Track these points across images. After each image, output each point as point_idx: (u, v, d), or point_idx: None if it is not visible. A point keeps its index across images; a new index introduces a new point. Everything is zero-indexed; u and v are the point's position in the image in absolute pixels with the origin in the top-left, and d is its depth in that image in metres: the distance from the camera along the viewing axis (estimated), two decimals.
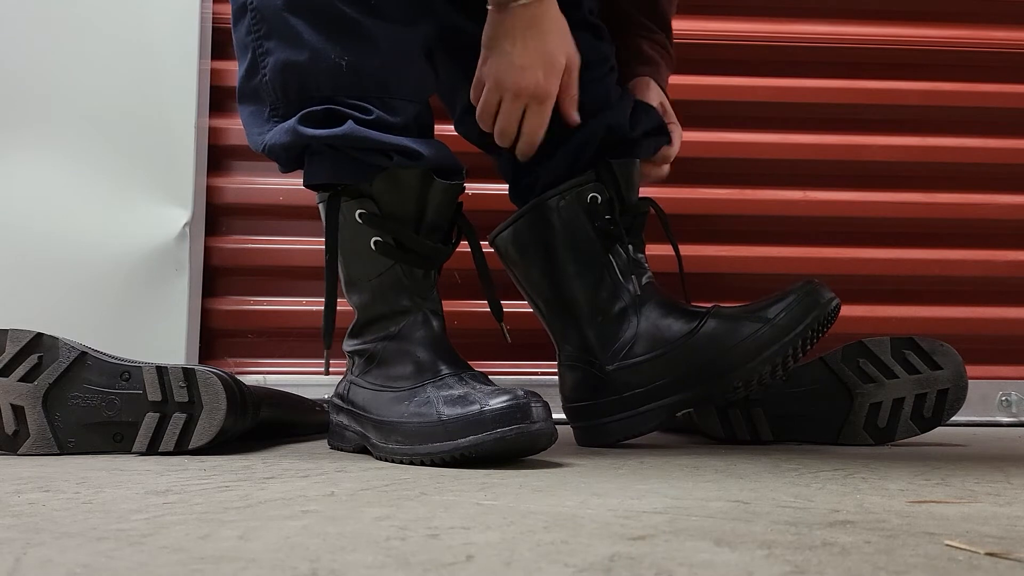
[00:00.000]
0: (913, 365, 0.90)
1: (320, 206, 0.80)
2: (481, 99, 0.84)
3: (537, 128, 0.84)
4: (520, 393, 0.66)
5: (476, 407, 0.66)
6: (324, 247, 0.78)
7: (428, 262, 0.79)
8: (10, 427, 0.76)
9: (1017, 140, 1.37)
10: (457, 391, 0.70)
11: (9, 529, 0.39)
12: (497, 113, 0.84)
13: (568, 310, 0.89)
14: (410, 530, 0.39)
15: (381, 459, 0.73)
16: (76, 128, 1.23)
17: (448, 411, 0.68)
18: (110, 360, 0.78)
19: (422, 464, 0.68)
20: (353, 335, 0.82)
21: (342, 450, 0.82)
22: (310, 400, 1.05)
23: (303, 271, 1.30)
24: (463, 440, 0.66)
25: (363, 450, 0.79)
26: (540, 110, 0.83)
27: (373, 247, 0.77)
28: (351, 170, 0.76)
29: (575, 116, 0.86)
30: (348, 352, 0.83)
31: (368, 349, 0.79)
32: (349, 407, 0.80)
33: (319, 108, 0.75)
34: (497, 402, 0.66)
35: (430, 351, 0.76)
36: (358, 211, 0.77)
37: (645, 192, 0.99)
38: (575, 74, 0.85)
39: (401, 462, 0.70)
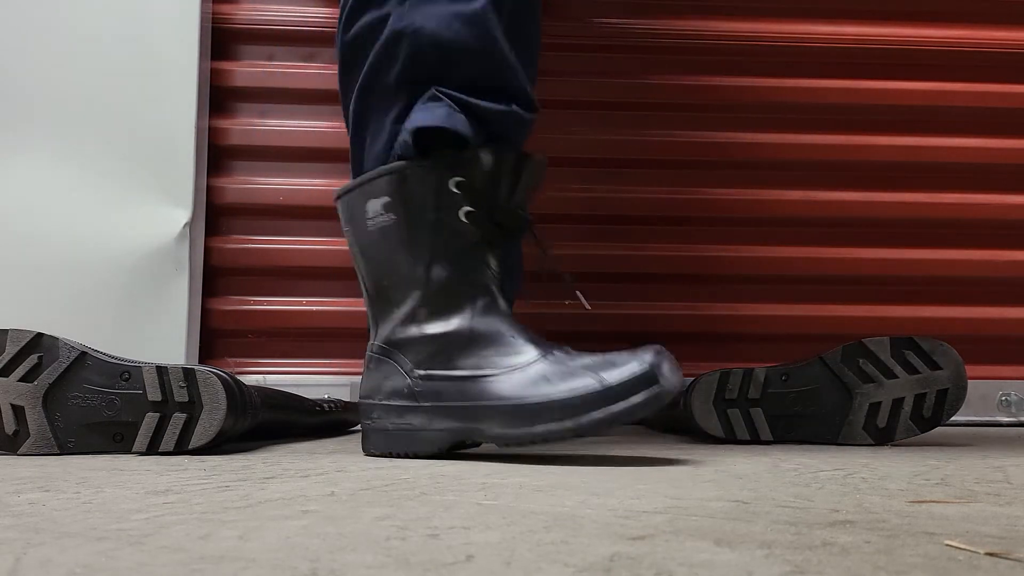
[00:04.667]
0: (913, 365, 0.90)
1: (381, 181, 0.77)
2: None
3: None
4: (645, 349, 0.69)
5: (635, 364, 0.67)
6: (411, 219, 0.76)
7: (512, 235, 0.78)
8: (10, 427, 0.76)
9: (1017, 140, 1.37)
10: (588, 358, 0.70)
11: (9, 529, 0.39)
12: None
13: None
14: (410, 530, 0.39)
15: (509, 446, 0.71)
16: (76, 128, 1.23)
17: (608, 375, 0.67)
18: (110, 360, 0.78)
19: (594, 434, 0.68)
20: (411, 321, 0.77)
21: (416, 456, 0.75)
22: (310, 400, 1.05)
23: (303, 271, 1.30)
24: (636, 398, 0.66)
25: (455, 448, 0.75)
26: None
27: (464, 218, 0.75)
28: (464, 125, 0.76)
29: None
30: (397, 342, 0.77)
31: (444, 334, 0.75)
32: (431, 404, 0.74)
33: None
34: (649, 358, 0.67)
35: (518, 327, 0.74)
36: (455, 180, 0.75)
37: None
38: None
39: (560, 439, 0.68)
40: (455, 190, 0.75)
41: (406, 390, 0.76)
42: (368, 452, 0.79)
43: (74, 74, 1.24)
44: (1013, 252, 1.36)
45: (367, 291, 0.81)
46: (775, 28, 1.37)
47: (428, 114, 0.76)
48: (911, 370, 0.90)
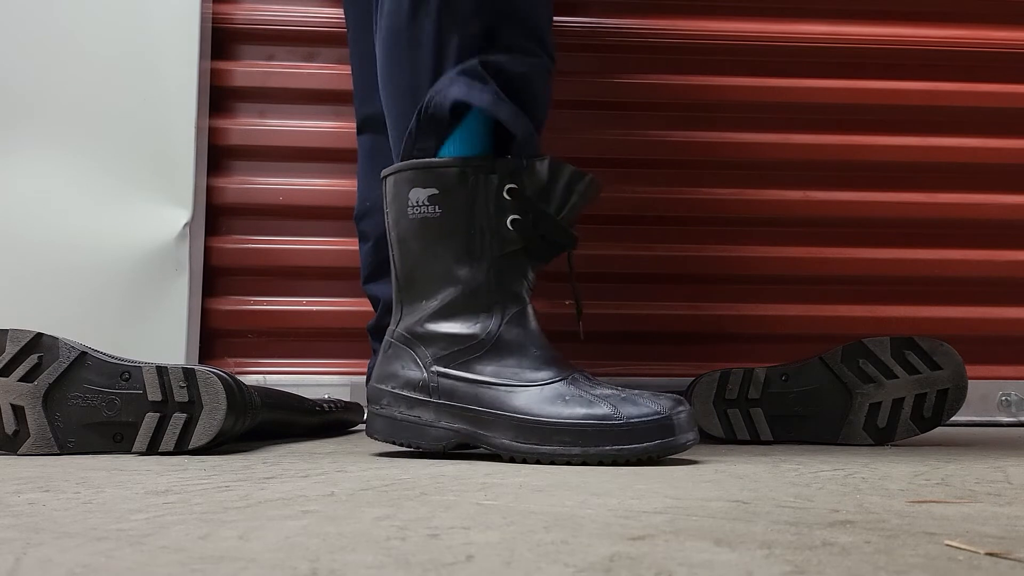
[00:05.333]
0: (913, 365, 0.90)
1: (432, 172, 0.76)
2: None
3: None
4: (665, 396, 0.70)
5: (656, 409, 0.68)
6: (456, 217, 0.76)
7: (557, 249, 0.78)
8: (10, 427, 0.76)
9: (1017, 140, 1.37)
10: (609, 389, 0.71)
11: (9, 529, 0.39)
12: None
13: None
14: (410, 530, 0.39)
15: (514, 460, 0.71)
16: (76, 128, 1.23)
17: (627, 411, 0.68)
18: (110, 360, 0.78)
19: (599, 464, 0.68)
20: (439, 317, 0.76)
21: (419, 448, 0.76)
22: (310, 400, 1.04)
23: (303, 271, 1.30)
24: (651, 443, 0.67)
25: (459, 448, 0.75)
26: None
27: (510, 225, 0.75)
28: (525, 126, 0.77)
29: None
30: (420, 335, 0.77)
31: (469, 335, 0.75)
32: (443, 402, 0.74)
33: None
34: (670, 407, 0.69)
35: (544, 344, 0.75)
36: (508, 186, 0.75)
37: None
38: None
39: (566, 462, 0.68)
40: (506, 196, 0.75)
41: (420, 383, 0.76)
42: (371, 435, 0.79)
43: (74, 74, 1.23)
44: (1013, 252, 1.36)
45: (397, 277, 0.80)
46: (775, 28, 1.37)
47: (474, 92, 0.76)
48: (911, 370, 0.90)
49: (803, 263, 1.34)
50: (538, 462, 0.69)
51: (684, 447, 0.69)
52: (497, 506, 0.46)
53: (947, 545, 0.36)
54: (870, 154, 1.36)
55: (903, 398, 0.90)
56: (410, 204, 0.77)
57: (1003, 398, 1.31)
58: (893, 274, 1.35)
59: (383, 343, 0.81)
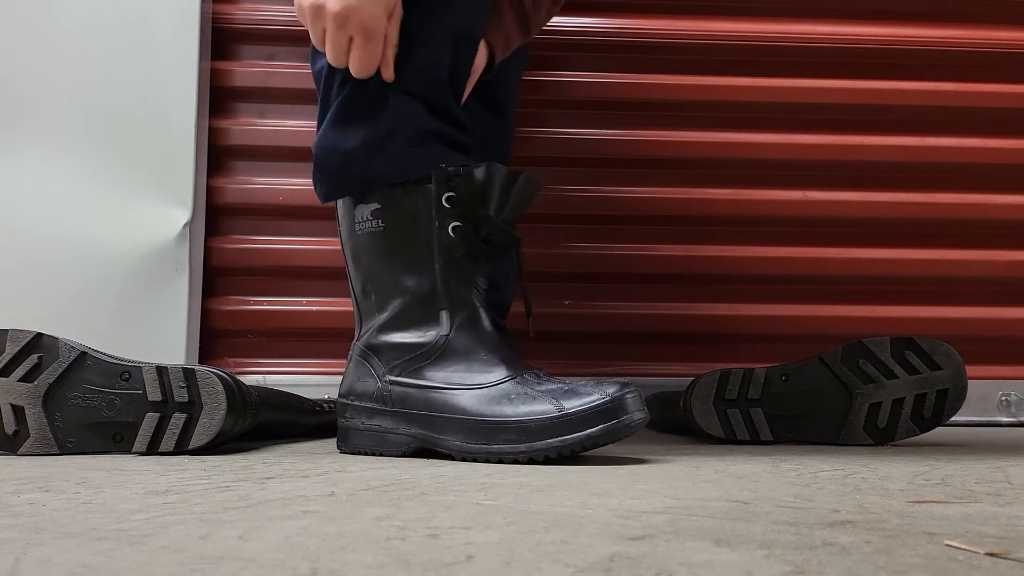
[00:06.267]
0: (913, 365, 0.90)
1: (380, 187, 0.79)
2: (310, 31, 0.78)
3: (367, 63, 0.76)
4: (611, 382, 0.70)
5: (597, 397, 0.67)
6: (399, 229, 0.78)
7: (501, 251, 0.78)
8: (10, 427, 0.76)
9: (1017, 140, 1.37)
10: (554, 383, 0.71)
11: (9, 529, 0.39)
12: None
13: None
14: (410, 530, 0.39)
15: (466, 460, 0.71)
16: (76, 128, 1.23)
17: (568, 403, 0.68)
18: (110, 360, 0.78)
19: (544, 461, 0.68)
20: (391, 328, 0.78)
21: (382, 455, 0.78)
22: (310, 400, 1.04)
23: (303, 271, 1.30)
24: (593, 429, 0.67)
25: (416, 454, 0.76)
26: (367, 41, 0.75)
27: (452, 232, 0.76)
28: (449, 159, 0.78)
29: (390, 70, 0.78)
30: (374, 346, 0.79)
31: (419, 344, 0.76)
32: (397, 409, 0.76)
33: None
34: (612, 391, 0.68)
35: (495, 346, 0.75)
36: (446, 194, 0.76)
37: None
38: (397, 21, 0.78)
39: (515, 460, 0.68)
40: (446, 204, 0.76)
41: (376, 393, 0.78)
42: (340, 448, 0.81)
43: (74, 74, 1.23)
44: (1013, 252, 1.36)
45: (354, 293, 0.83)
46: (775, 28, 1.37)
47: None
48: (911, 370, 0.90)
49: (803, 263, 1.34)
50: (487, 461, 0.70)
51: (630, 428, 0.68)
52: (497, 506, 0.46)
53: (947, 545, 0.36)
54: (870, 154, 1.36)
55: (903, 398, 0.90)
56: (357, 221, 0.80)
57: (1003, 398, 1.31)
58: (893, 274, 1.35)
59: (347, 357, 0.83)
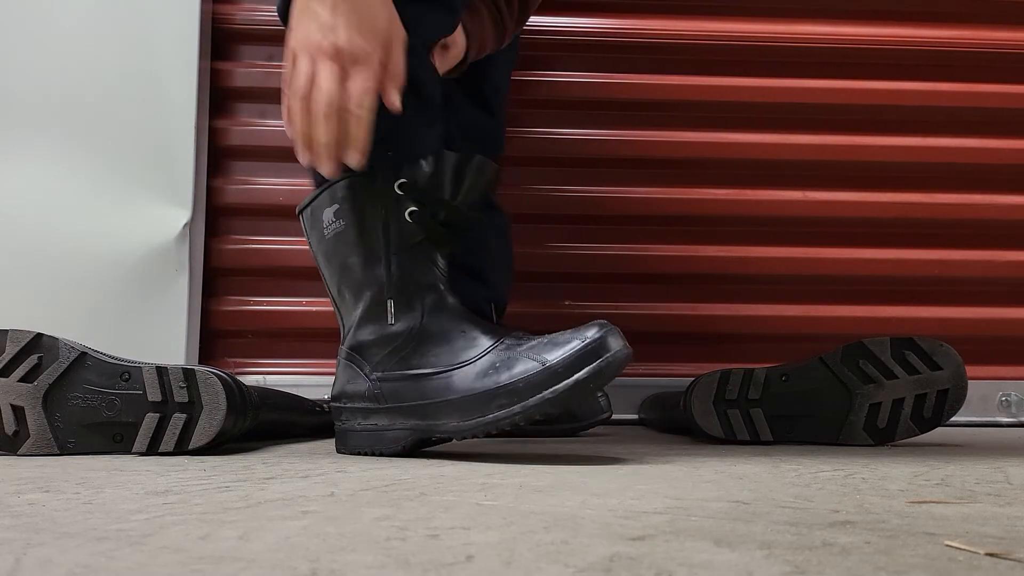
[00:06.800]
0: (913, 365, 0.90)
1: (332, 190, 0.79)
2: (291, 73, 0.76)
3: (363, 96, 0.72)
4: (590, 324, 0.69)
5: (577, 342, 0.67)
6: (359, 222, 0.77)
7: (460, 234, 0.78)
8: (10, 427, 0.76)
9: (1017, 140, 1.37)
10: (535, 340, 0.70)
11: (9, 529, 0.39)
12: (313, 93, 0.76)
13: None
14: (410, 530, 0.39)
15: (466, 438, 0.71)
16: (76, 129, 1.23)
17: (550, 355, 0.67)
18: (110, 360, 0.78)
19: (536, 421, 0.67)
20: (367, 324, 0.79)
21: (381, 454, 0.77)
22: (310, 400, 1.05)
23: (303, 271, 1.30)
24: (579, 374, 0.66)
25: (417, 446, 0.75)
26: (362, 73, 0.72)
27: (409, 218, 0.76)
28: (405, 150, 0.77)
29: (395, 100, 0.74)
30: (357, 346, 0.80)
31: (397, 334, 0.76)
32: (391, 405, 0.76)
33: None
34: (591, 333, 0.67)
35: (470, 320, 0.75)
36: (399, 182, 0.76)
37: None
38: (400, 49, 0.75)
39: (513, 424, 0.68)
40: (399, 191, 0.77)
41: (367, 392, 0.78)
42: (339, 451, 0.81)
43: (74, 75, 1.23)
44: (1013, 252, 1.36)
45: (332, 297, 0.85)
46: (775, 28, 1.37)
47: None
48: (911, 370, 0.90)
49: (802, 263, 1.34)
50: (488, 435, 0.70)
51: (615, 365, 0.67)
52: (497, 506, 0.46)
53: (947, 545, 0.36)
54: (870, 154, 1.36)
55: (903, 398, 0.90)
56: (324, 226, 0.81)
57: (1003, 398, 1.31)
58: (893, 274, 1.35)
59: (336, 362, 0.84)
